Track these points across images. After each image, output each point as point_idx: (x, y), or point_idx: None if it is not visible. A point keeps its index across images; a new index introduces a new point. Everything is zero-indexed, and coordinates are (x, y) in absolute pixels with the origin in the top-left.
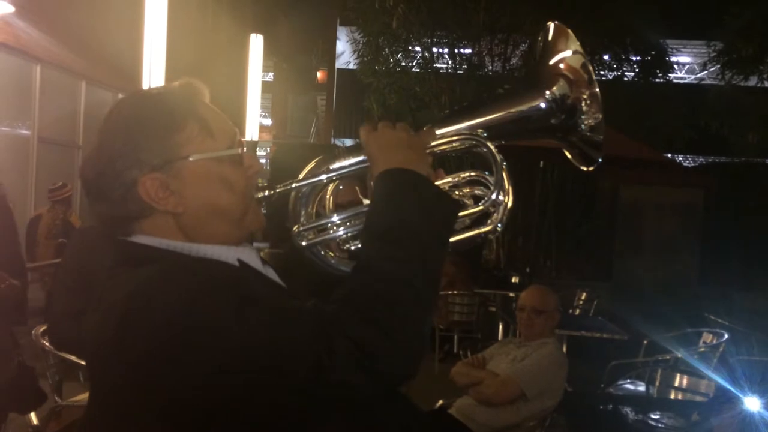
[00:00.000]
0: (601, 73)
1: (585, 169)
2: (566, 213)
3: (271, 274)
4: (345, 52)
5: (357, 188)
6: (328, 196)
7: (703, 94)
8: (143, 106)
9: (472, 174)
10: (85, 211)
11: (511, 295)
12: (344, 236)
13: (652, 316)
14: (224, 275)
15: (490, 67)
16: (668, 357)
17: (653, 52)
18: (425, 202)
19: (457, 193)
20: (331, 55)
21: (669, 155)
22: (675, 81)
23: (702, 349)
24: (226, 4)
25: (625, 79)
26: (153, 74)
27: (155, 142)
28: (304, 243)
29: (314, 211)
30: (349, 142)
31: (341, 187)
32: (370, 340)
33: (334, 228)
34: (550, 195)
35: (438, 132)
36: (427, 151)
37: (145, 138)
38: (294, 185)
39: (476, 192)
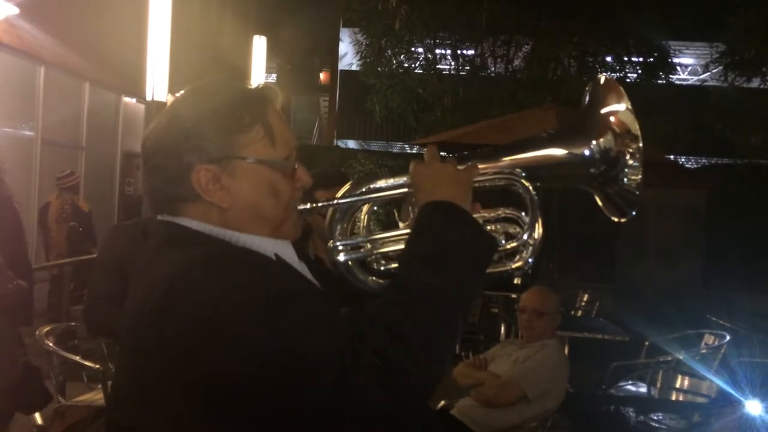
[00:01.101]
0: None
1: (615, 219)
2: (569, 214)
3: (305, 271)
4: (348, 54)
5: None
6: (363, 215)
7: (706, 95)
8: (220, 98)
9: (507, 212)
10: (90, 197)
11: (513, 296)
12: (376, 256)
13: (654, 317)
14: (265, 268)
15: (493, 69)
16: (670, 358)
17: (656, 54)
18: (468, 237)
19: (489, 227)
20: (334, 56)
21: (672, 157)
22: (677, 82)
23: (703, 351)
24: (229, 6)
25: (628, 80)
26: (157, 76)
27: (221, 135)
28: (337, 258)
29: (349, 228)
30: (352, 144)
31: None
32: (395, 356)
33: (367, 247)
34: (553, 196)
35: (480, 167)
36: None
37: (212, 129)
38: (334, 202)
39: (508, 229)
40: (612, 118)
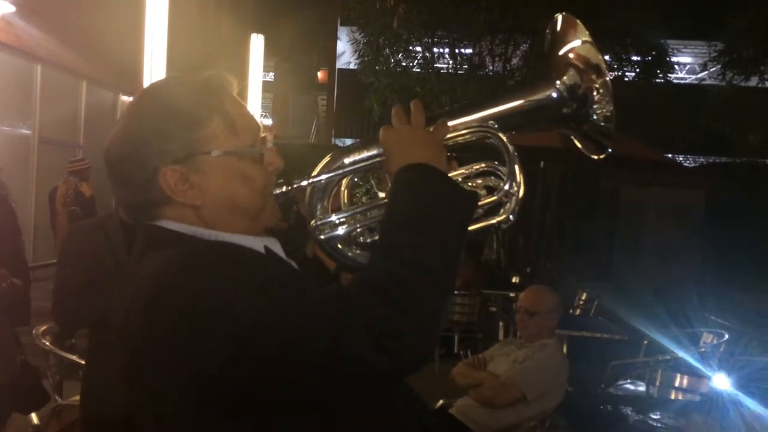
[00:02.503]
0: None
1: (595, 157)
2: (567, 213)
3: (293, 264)
4: (346, 52)
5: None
6: (343, 190)
7: (704, 94)
8: (173, 97)
9: (485, 165)
10: (101, 183)
11: (512, 295)
12: (360, 229)
13: (653, 316)
14: (250, 259)
15: (491, 68)
16: (668, 357)
17: (654, 53)
18: (445, 194)
19: (470, 184)
20: (331, 55)
21: (670, 156)
22: (675, 81)
23: (702, 350)
24: (227, 4)
25: (626, 79)
26: (154, 74)
27: (180, 134)
28: (321, 237)
29: (329, 205)
30: (349, 142)
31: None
32: (387, 319)
33: (350, 221)
34: (551, 195)
35: (450, 124)
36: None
37: (170, 129)
38: (310, 180)
39: (489, 183)
40: (572, 55)
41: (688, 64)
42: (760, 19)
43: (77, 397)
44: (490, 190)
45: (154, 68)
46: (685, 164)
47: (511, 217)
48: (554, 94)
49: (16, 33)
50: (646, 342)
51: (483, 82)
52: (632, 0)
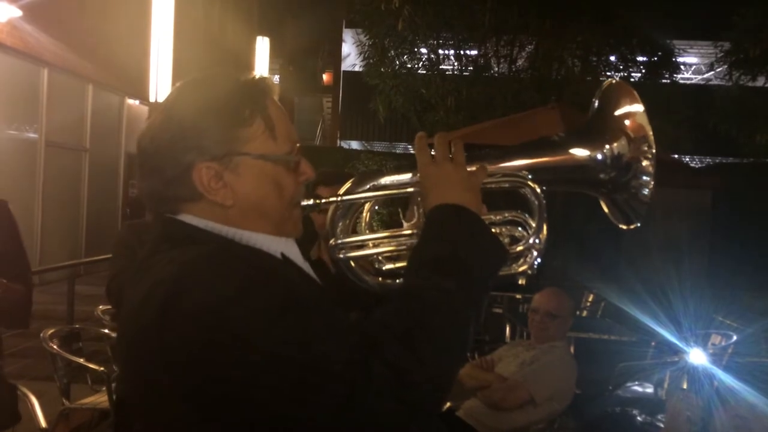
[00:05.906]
0: (608, 73)
1: (623, 226)
2: (573, 213)
3: (310, 271)
4: (351, 54)
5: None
6: (365, 213)
7: (710, 94)
8: (217, 92)
9: (513, 215)
10: (94, 199)
11: (518, 296)
12: (379, 255)
13: (660, 317)
14: (271, 269)
15: (496, 69)
16: (676, 359)
17: (660, 53)
18: (480, 243)
19: (495, 230)
20: (336, 57)
21: (676, 156)
22: (681, 82)
23: (710, 351)
24: (232, 7)
25: (632, 79)
26: (160, 77)
27: (221, 132)
28: (340, 256)
29: (351, 225)
30: (355, 144)
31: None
32: (406, 367)
33: (370, 245)
34: (557, 195)
35: (489, 169)
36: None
37: (212, 125)
38: (338, 199)
39: (514, 233)
40: (627, 122)
41: (695, 64)
42: (766, 19)
43: (85, 400)
44: (513, 240)
45: (160, 71)
46: (691, 165)
47: (531, 269)
48: (599, 156)
49: (22, 37)
50: (653, 343)
51: (488, 83)
52: (638, 1)
